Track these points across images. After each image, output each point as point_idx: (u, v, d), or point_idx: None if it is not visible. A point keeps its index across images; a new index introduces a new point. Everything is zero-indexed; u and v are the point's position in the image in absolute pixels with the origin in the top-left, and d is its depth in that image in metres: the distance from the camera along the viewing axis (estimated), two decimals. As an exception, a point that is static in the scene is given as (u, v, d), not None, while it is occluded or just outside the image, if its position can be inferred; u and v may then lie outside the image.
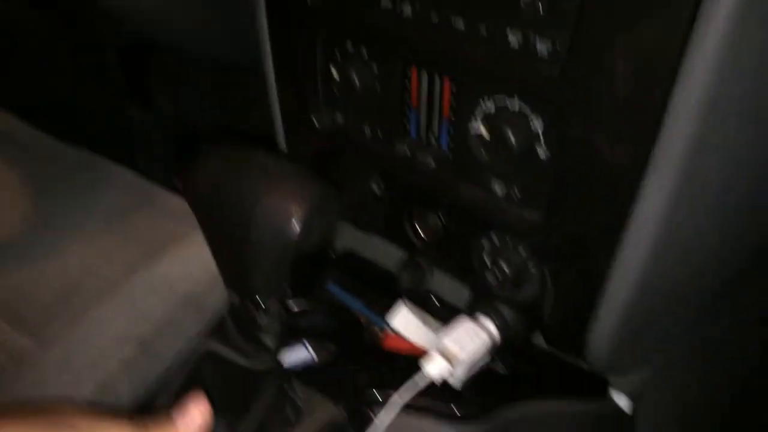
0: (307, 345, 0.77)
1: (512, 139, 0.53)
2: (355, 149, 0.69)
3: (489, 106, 0.55)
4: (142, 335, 0.69)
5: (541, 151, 0.53)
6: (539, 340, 0.71)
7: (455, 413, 0.63)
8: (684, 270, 0.57)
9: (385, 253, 0.83)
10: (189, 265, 0.77)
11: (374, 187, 0.70)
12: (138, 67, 1.56)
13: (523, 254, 0.58)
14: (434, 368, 0.60)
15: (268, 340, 0.58)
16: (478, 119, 0.56)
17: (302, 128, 0.72)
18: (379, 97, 0.63)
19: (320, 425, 0.61)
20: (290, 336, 0.76)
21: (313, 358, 0.77)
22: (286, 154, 0.77)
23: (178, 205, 0.94)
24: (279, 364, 0.59)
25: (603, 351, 0.58)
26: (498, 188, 0.58)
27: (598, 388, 0.71)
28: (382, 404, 0.63)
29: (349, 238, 0.88)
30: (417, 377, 0.60)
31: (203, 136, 1.27)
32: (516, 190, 0.57)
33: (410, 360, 0.70)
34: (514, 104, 0.53)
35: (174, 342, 0.70)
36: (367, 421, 0.59)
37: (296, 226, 0.50)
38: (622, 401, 0.72)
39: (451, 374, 0.62)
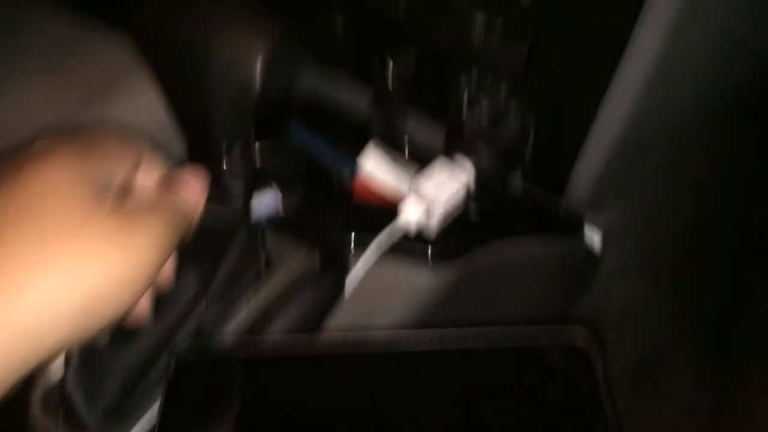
0: (276, 188, 0.74)
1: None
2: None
3: None
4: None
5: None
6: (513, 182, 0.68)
7: (429, 257, 0.62)
8: (673, 105, 0.54)
9: (352, 96, 0.77)
10: (137, 110, 0.70)
11: (340, 16, 0.64)
12: None
13: (505, 89, 0.54)
14: (412, 213, 0.58)
15: (234, 186, 0.54)
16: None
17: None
18: None
19: (293, 274, 0.59)
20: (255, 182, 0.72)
21: (278, 202, 0.75)
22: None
23: (117, 40, 0.85)
24: (247, 213, 0.56)
25: (586, 187, 0.57)
26: (479, 17, 0.52)
27: (573, 226, 0.70)
28: (357, 249, 0.61)
29: (313, 79, 0.82)
30: (394, 224, 0.58)
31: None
32: (499, 19, 0.51)
33: (382, 208, 0.68)
34: None
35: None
36: (344, 267, 0.57)
37: (258, 67, 0.44)
38: (594, 238, 0.72)
39: (429, 218, 0.59)
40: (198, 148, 0.52)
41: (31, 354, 0.29)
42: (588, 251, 0.73)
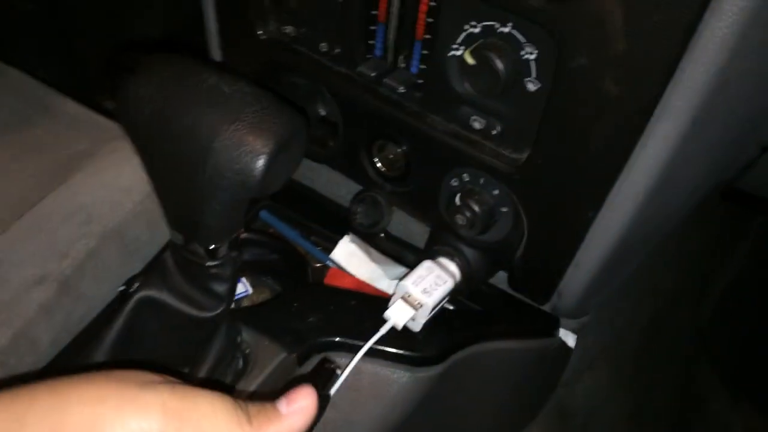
0: (244, 281, 0.71)
1: (500, 66, 0.47)
2: (307, 67, 0.61)
3: (475, 27, 0.49)
4: (62, 273, 0.60)
5: (531, 83, 0.48)
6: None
7: (412, 358, 0.60)
8: (664, 214, 0.55)
9: (332, 183, 0.76)
10: (108, 191, 0.67)
11: (325, 109, 0.63)
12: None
13: (497, 195, 0.54)
14: (399, 316, 0.56)
15: (219, 288, 0.51)
16: (460, 42, 0.50)
17: (242, 38, 0.63)
18: (340, 6, 0.55)
19: (270, 373, 0.56)
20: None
21: (248, 291, 0.72)
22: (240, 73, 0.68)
23: (78, 114, 0.82)
24: (228, 313, 0.53)
25: (575, 298, 0.56)
26: (476, 122, 0.53)
27: (550, 327, 0.70)
28: (337, 350, 0.59)
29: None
30: (381, 331, 0.56)
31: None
32: (497, 125, 0.52)
33: (358, 297, 0.66)
34: (505, 27, 0.47)
35: (99, 282, 0.62)
36: (330, 373, 0.55)
37: (261, 164, 0.43)
38: (568, 338, 0.72)
39: (414, 319, 0.58)
40: (185, 239, 0.50)
41: None
42: (562, 350, 0.72)
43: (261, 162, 0.43)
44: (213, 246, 0.49)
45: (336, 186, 0.76)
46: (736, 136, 0.53)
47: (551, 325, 0.69)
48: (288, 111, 0.45)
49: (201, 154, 0.43)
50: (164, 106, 0.45)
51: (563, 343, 0.71)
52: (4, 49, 1.17)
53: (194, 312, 0.52)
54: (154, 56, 0.48)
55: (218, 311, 0.52)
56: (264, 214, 0.81)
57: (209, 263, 0.50)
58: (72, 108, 0.81)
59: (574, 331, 0.72)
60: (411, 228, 0.73)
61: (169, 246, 0.53)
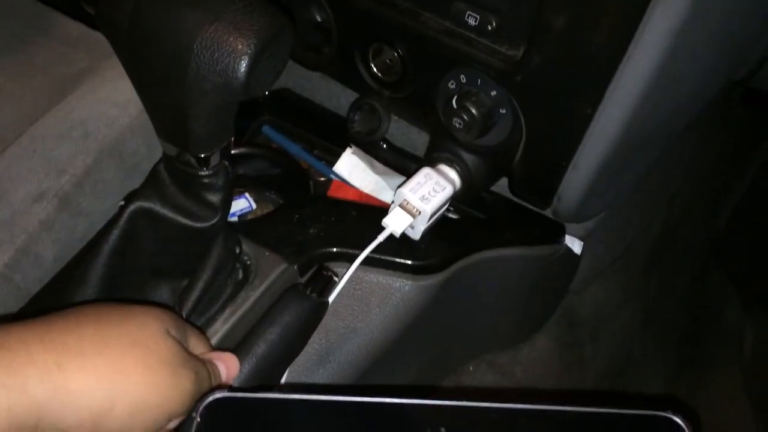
0: (248, 197, 0.71)
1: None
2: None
3: None
4: (61, 189, 0.60)
5: (528, -28, 0.46)
6: (496, 186, 0.67)
7: (413, 266, 0.60)
8: (661, 115, 0.53)
9: (328, 93, 0.75)
10: (104, 106, 0.66)
11: (319, 14, 0.61)
12: None
13: (495, 97, 0.52)
14: (397, 224, 0.56)
15: (213, 198, 0.51)
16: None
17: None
18: None
19: (271, 283, 0.56)
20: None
21: (251, 206, 0.72)
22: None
23: (77, 32, 0.81)
24: (225, 222, 0.53)
25: (574, 201, 0.55)
26: (471, 18, 0.50)
27: (555, 234, 0.69)
28: (338, 260, 0.59)
29: (285, 73, 0.79)
30: (379, 239, 0.56)
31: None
32: (493, 20, 0.49)
33: (359, 207, 0.66)
34: None
35: (99, 197, 0.62)
36: (328, 283, 0.55)
37: (244, 66, 0.41)
38: (574, 244, 0.71)
39: (412, 227, 0.57)
40: (176, 158, 0.49)
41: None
42: (568, 257, 0.72)
43: (244, 63, 0.42)
44: (204, 154, 0.48)
45: (337, 98, 0.75)
46: (745, 26, 0.50)
47: (556, 231, 0.69)
48: (271, 9, 0.43)
49: (181, 56, 0.42)
50: (141, 7, 0.43)
51: (569, 250, 0.71)
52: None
53: (189, 222, 0.51)
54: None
55: (213, 222, 0.51)
56: (266, 129, 0.80)
57: (201, 173, 0.50)
58: (70, 26, 0.80)
59: (581, 238, 0.71)
60: (414, 138, 0.72)
61: (162, 157, 0.52)
